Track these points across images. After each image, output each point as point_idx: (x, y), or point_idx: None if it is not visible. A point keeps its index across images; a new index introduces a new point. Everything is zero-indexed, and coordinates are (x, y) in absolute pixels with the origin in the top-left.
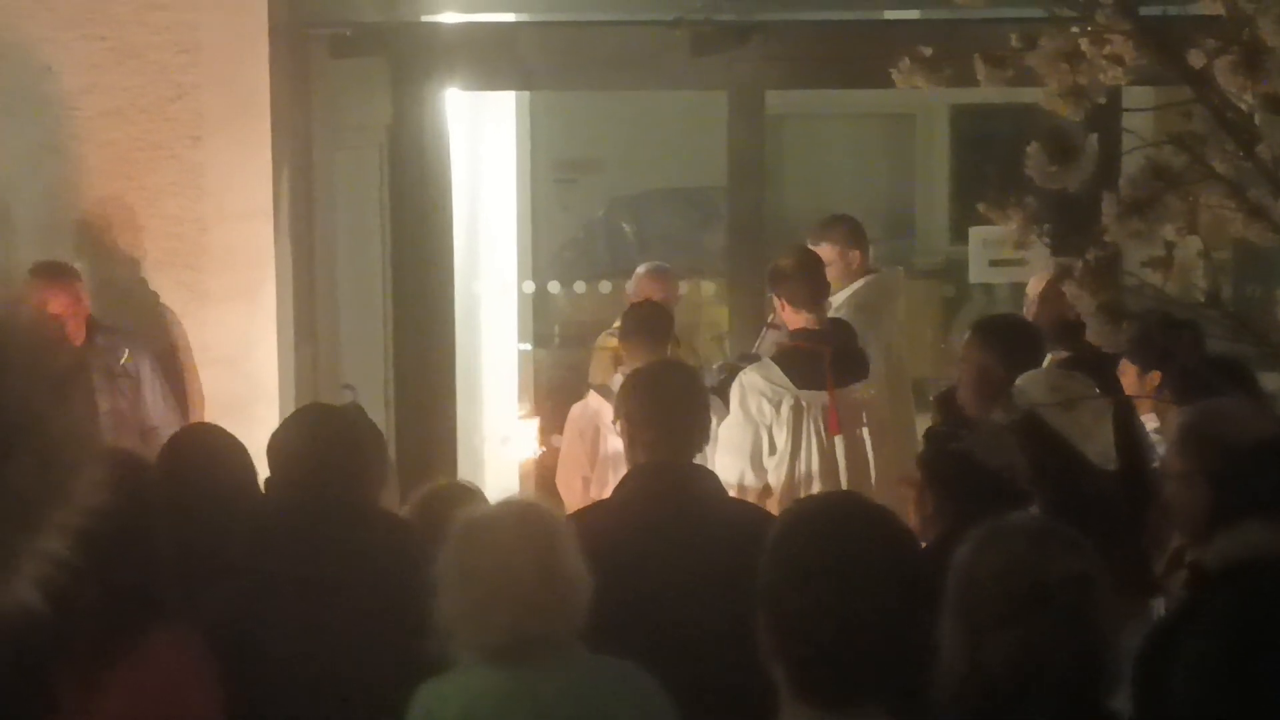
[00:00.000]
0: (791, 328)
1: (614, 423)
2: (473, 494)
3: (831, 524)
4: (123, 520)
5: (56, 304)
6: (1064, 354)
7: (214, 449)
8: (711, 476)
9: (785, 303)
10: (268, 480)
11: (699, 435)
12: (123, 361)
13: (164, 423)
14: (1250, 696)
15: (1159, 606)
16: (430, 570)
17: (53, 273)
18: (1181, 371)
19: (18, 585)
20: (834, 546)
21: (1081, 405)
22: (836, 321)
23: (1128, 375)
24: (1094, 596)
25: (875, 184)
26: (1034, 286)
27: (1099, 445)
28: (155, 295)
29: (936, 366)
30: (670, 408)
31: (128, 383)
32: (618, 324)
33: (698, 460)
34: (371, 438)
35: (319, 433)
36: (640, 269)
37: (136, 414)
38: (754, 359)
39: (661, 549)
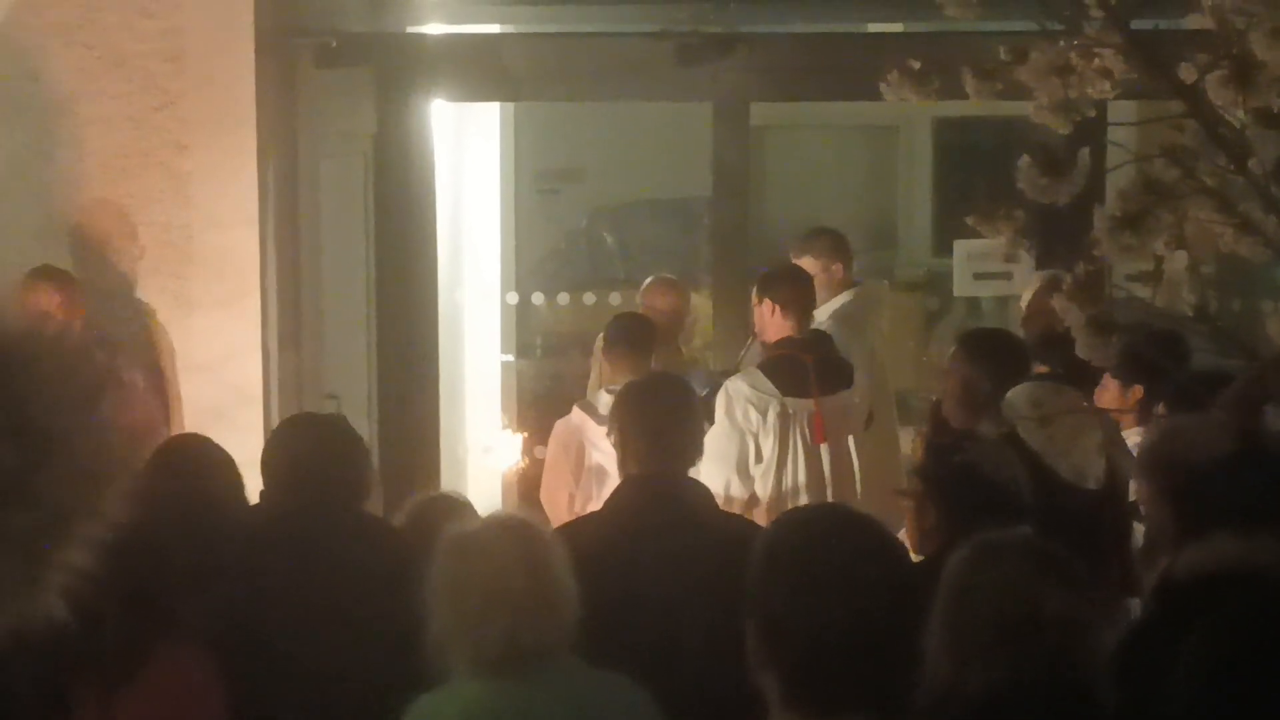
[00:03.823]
0: (774, 337)
1: (608, 435)
2: (462, 505)
3: (820, 533)
4: (137, 531)
5: (50, 305)
6: (1043, 368)
7: (200, 457)
8: (703, 489)
9: (777, 307)
10: (263, 490)
11: (691, 448)
12: (122, 375)
13: (156, 435)
14: (1251, 715)
15: (1133, 610)
16: (423, 582)
17: (48, 275)
18: (1173, 386)
19: (45, 597)
20: (823, 556)
21: (1058, 421)
22: (818, 332)
23: (1110, 390)
24: (1085, 633)
25: (858, 196)
26: (1027, 298)
27: (1075, 461)
28: (142, 303)
29: (919, 379)
30: (662, 420)
31: (125, 395)
32: None
33: (689, 473)
34: (357, 447)
35: (313, 441)
36: (648, 280)
37: (131, 426)
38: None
39: (652, 561)
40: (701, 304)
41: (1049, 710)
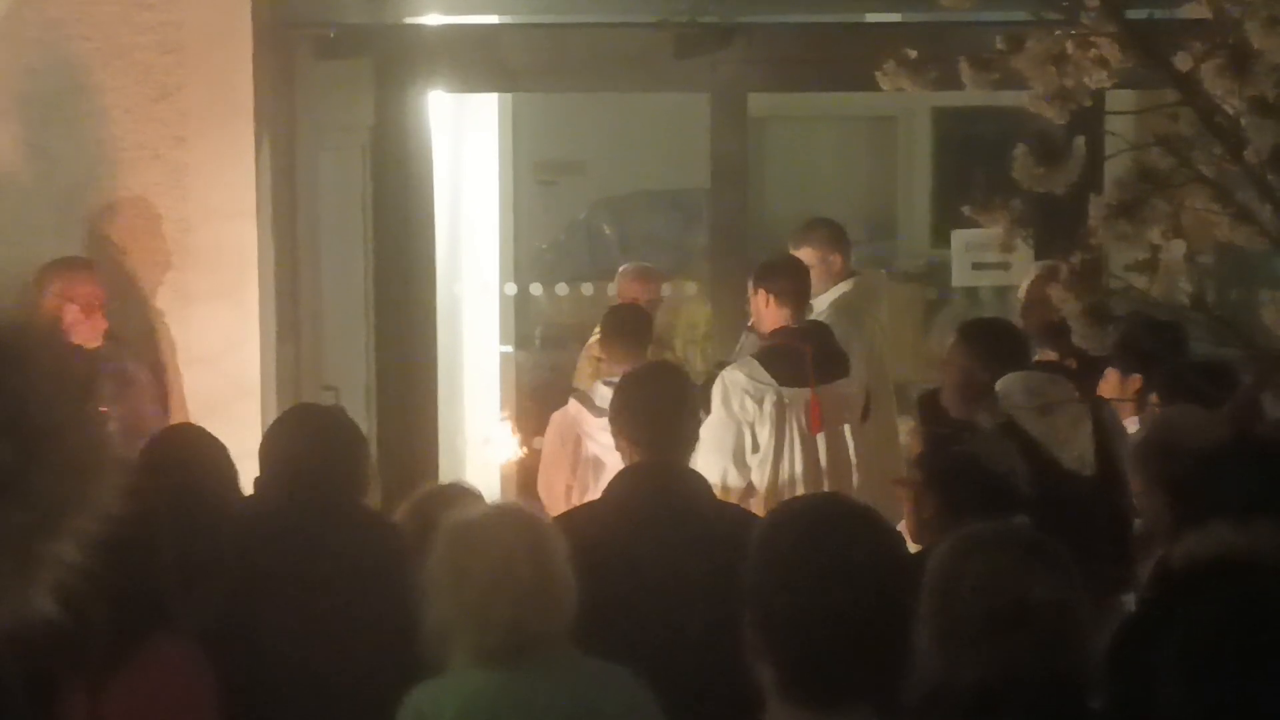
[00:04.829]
0: (770, 327)
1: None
2: (471, 495)
3: (816, 524)
4: (128, 525)
5: (84, 300)
6: (1051, 355)
7: (194, 450)
8: (701, 479)
9: (772, 297)
10: (257, 479)
11: (690, 437)
12: (127, 370)
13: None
14: (1245, 701)
15: (1129, 603)
16: (420, 572)
17: (79, 267)
18: (1167, 374)
19: (37, 593)
20: (819, 546)
21: (1059, 410)
22: (815, 322)
23: (1109, 378)
24: (1074, 620)
25: (857, 186)
26: (1025, 288)
27: (1076, 450)
28: (142, 296)
29: (918, 369)
30: (661, 410)
31: (130, 390)
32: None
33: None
34: (355, 439)
35: (311, 434)
36: (623, 269)
37: (135, 420)
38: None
39: (650, 550)
40: (691, 293)
41: (1042, 701)
